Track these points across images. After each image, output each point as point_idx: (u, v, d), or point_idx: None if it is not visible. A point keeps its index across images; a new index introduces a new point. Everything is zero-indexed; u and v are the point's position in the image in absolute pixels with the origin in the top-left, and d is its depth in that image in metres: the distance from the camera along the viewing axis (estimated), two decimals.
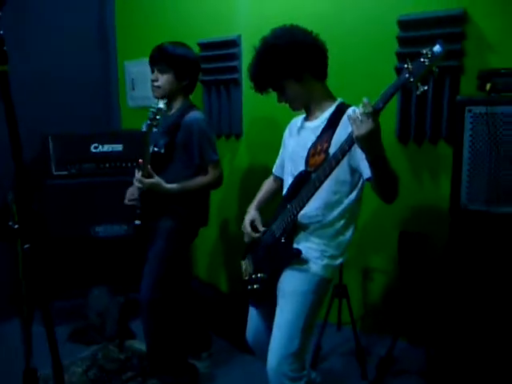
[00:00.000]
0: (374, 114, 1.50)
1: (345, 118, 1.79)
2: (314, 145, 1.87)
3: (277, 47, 1.83)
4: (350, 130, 1.62)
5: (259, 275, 2.01)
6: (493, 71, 2.17)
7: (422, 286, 2.66)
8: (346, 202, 1.88)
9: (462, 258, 2.21)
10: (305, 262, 1.86)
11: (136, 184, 2.39)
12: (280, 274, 1.92)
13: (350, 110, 1.82)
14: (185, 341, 2.72)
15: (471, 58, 2.60)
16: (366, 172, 1.73)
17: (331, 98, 1.97)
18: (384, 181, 1.67)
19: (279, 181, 2.22)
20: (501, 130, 2.05)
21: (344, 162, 1.74)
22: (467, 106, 2.12)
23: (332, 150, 1.76)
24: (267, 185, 2.29)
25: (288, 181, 2.01)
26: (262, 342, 2.09)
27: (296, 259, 1.86)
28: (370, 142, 1.53)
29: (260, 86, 1.96)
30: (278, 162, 2.26)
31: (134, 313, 3.25)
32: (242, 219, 2.16)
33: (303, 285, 1.85)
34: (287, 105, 2.02)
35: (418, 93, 1.49)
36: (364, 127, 1.49)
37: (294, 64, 1.84)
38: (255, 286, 2.03)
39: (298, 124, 2.05)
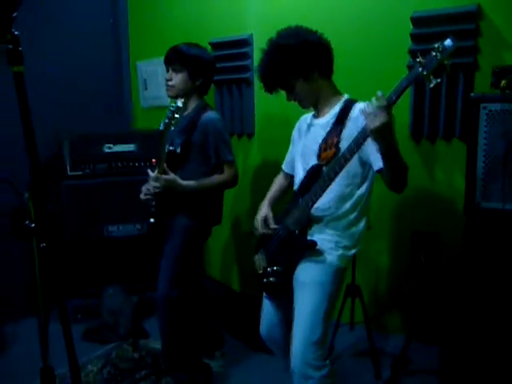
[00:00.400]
0: (388, 107, 1.54)
1: (353, 113, 1.88)
2: (325, 140, 1.92)
3: (285, 48, 1.88)
4: (359, 124, 1.71)
5: (275, 268, 2.04)
6: (507, 68, 2.15)
7: (436, 285, 2.64)
8: (358, 193, 1.93)
9: (476, 256, 2.19)
10: (320, 253, 1.91)
11: (152, 182, 2.40)
12: (295, 267, 1.97)
13: (362, 105, 1.83)
14: (198, 339, 2.73)
15: (485, 54, 2.57)
16: (377, 164, 1.78)
17: (338, 94, 2.03)
18: (395, 171, 1.72)
19: (289, 177, 2.29)
20: None
21: (354, 155, 1.78)
22: (482, 103, 2.10)
23: (342, 144, 1.83)
24: (278, 182, 2.35)
25: (299, 176, 2.07)
26: (275, 335, 2.18)
27: (311, 250, 1.90)
28: (383, 135, 1.57)
29: (270, 86, 2.01)
30: (287, 158, 2.31)
31: (147, 312, 3.28)
32: (255, 218, 2.20)
33: (321, 275, 1.90)
34: (297, 103, 2.07)
35: (431, 86, 1.54)
36: (378, 120, 1.53)
37: (303, 64, 1.90)
38: (271, 279, 2.05)
39: (308, 121, 2.10)
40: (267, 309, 2.18)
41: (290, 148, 2.28)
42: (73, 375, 1.42)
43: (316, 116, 2.07)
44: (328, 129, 1.94)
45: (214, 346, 3.02)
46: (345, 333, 3.10)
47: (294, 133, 2.23)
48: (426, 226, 2.74)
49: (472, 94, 2.19)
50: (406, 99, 2.76)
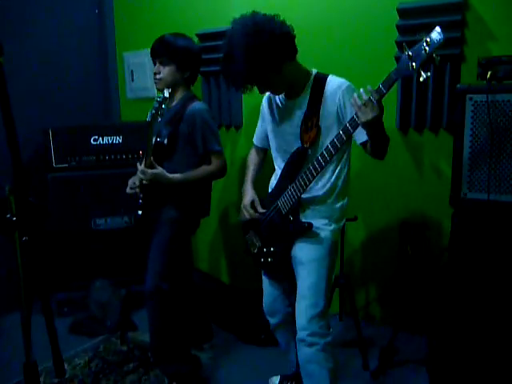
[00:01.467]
0: (379, 100, 1.62)
1: (327, 88, 1.93)
2: (304, 121, 1.97)
3: (252, 49, 1.79)
4: (336, 100, 1.88)
5: (272, 249, 2.14)
6: (493, 59, 2.15)
7: (424, 275, 2.65)
8: (340, 166, 2.01)
9: (463, 246, 2.20)
10: (315, 230, 2.00)
11: (139, 175, 2.39)
12: (291, 246, 2.07)
13: (337, 80, 1.95)
14: (187, 331, 2.73)
15: (471, 45, 2.58)
16: (359, 138, 1.90)
17: (306, 71, 2.01)
18: (380, 145, 1.84)
19: (262, 152, 2.37)
20: (501, 118, 2.03)
21: (335, 131, 1.87)
22: (468, 94, 2.10)
23: (322, 122, 1.93)
24: (253, 160, 2.38)
25: (277, 157, 2.14)
26: (277, 308, 2.30)
27: (308, 231, 1.99)
28: (375, 125, 1.68)
29: (240, 86, 1.95)
30: (258, 133, 2.35)
31: (136, 305, 3.27)
32: (242, 204, 2.26)
33: (317, 252, 2.01)
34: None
35: (421, 79, 1.54)
36: (370, 114, 1.62)
37: (273, 60, 1.84)
38: (269, 259, 2.16)
39: (278, 100, 2.11)
40: (267, 285, 2.30)
41: (260, 123, 2.30)
42: (56, 368, 1.41)
43: (287, 96, 2.05)
44: (304, 108, 1.97)
45: (203, 338, 3.02)
46: (334, 323, 3.10)
47: (263, 107, 2.22)
48: (413, 216, 2.76)
49: (458, 85, 2.18)
50: (394, 90, 2.75)
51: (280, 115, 2.09)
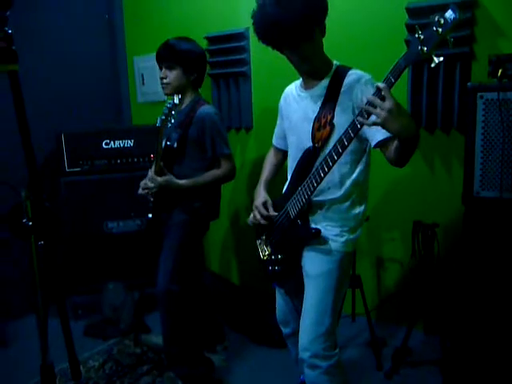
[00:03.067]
0: (388, 91, 1.43)
1: (345, 83, 1.77)
2: (318, 118, 1.81)
3: (291, 12, 1.63)
4: (353, 95, 1.72)
5: (279, 256, 2.00)
6: (504, 56, 2.14)
7: (437, 275, 2.64)
8: (357, 170, 1.84)
9: (475, 245, 2.19)
10: (325, 241, 1.84)
11: (149, 184, 2.42)
12: (300, 254, 1.92)
13: (358, 72, 1.79)
14: (200, 333, 2.74)
15: (482, 43, 2.56)
16: (374, 138, 1.69)
17: (328, 59, 1.87)
18: (409, 153, 1.60)
19: (281, 153, 2.20)
20: None
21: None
22: (479, 93, 2.10)
23: (336, 120, 1.75)
24: (270, 160, 2.25)
25: (292, 153, 1.98)
26: (290, 319, 2.17)
27: (316, 239, 1.84)
28: (396, 118, 1.44)
29: (291, 41, 1.71)
30: (276, 132, 2.20)
31: (149, 307, 3.29)
32: (253, 206, 2.13)
33: (325, 265, 1.85)
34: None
35: (433, 65, 1.38)
36: (384, 111, 1.42)
37: (323, 9, 1.71)
38: (276, 268, 2.02)
39: (294, 92, 1.98)
40: (279, 296, 2.18)
41: (279, 121, 2.16)
42: (72, 371, 1.43)
43: (305, 86, 1.92)
44: (320, 103, 1.82)
45: (216, 339, 3.03)
46: (346, 324, 3.11)
47: (281, 105, 2.10)
48: (426, 216, 2.74)
49: (469, 84, 2.18)
50: (404, 89, 2.75)
51: (296, 108, 1.94)
